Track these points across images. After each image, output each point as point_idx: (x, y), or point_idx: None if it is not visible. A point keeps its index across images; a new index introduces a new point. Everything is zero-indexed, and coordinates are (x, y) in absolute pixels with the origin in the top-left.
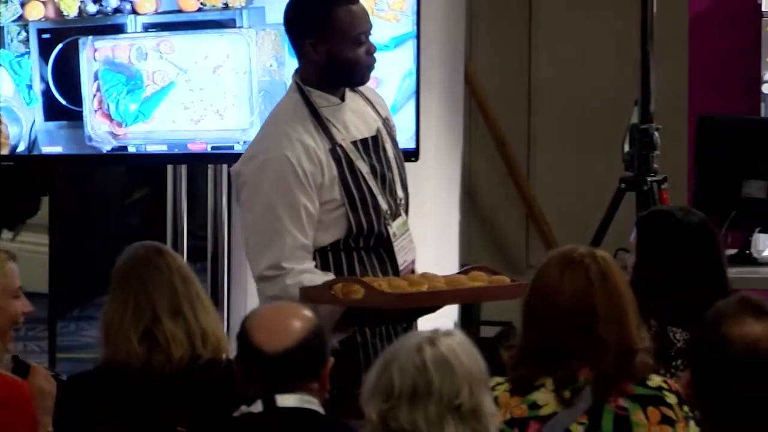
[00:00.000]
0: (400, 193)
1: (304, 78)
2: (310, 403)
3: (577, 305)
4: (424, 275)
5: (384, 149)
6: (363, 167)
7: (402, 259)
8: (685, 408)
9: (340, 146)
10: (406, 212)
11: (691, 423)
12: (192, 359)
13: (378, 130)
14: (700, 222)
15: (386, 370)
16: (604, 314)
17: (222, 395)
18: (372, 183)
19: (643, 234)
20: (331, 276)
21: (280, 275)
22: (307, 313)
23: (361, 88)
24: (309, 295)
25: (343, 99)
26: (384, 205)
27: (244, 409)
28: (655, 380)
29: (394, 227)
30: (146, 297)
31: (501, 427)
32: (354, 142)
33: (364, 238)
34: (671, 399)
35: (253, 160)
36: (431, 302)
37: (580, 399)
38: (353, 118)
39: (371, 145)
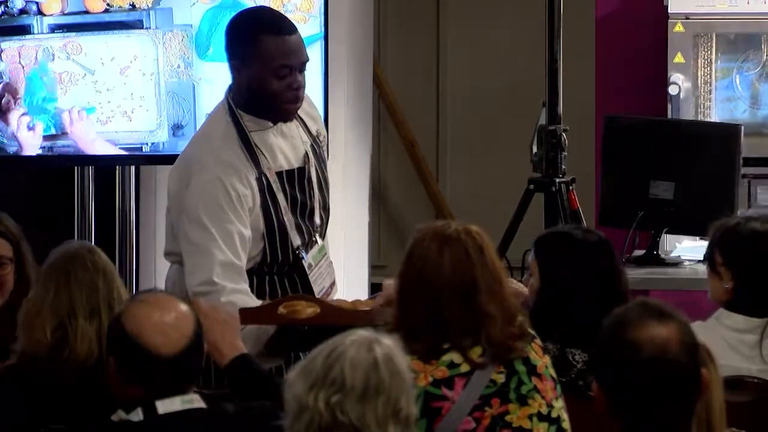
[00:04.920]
0: (317, 219)
1: (235, 98)
2: (191, 402)
3: (459, 279)
4: (340, 301)
5: (309, 178)
6: (282, 200)
7: (319, 287)
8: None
9: (265, 176)
10: (323, 234)
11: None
12: (99, 361)
13: (306, 157)
14: (599, 241)
15: (336, 362)
16: (484, 287)
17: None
18: (288, 217)
19: (542, 256)
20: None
21: (212, 291)
22: (183, 306)
23: None
24: (249, 316)
25: (275, 122)
26: (297, 241)
27: (122, 414)
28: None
29: (309, 258)
30: (67, 290)
31: (427, 388)
32: (279, 173)
33: (278, 266)
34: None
35: (186, 181)
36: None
37: (489, 358)
38: (282, 145)
39: (296, 177)
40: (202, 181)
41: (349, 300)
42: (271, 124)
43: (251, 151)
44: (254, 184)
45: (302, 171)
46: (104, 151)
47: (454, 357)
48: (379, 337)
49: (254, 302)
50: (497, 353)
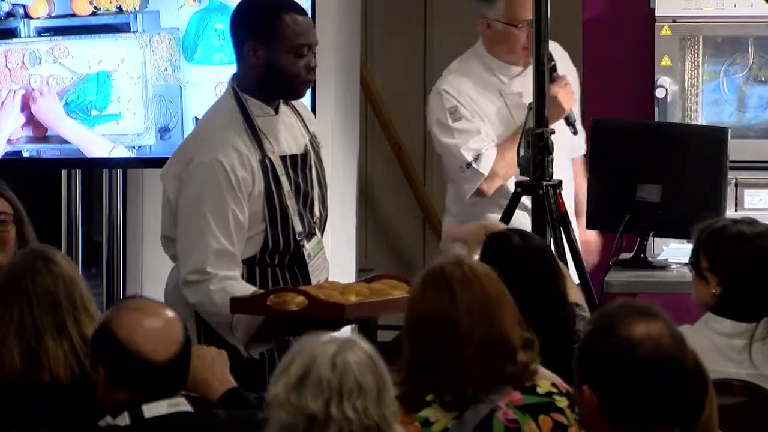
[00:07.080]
0: (317, 212)
1: (241, 84)
2: (177, 405)
3: (439, 316)
4: (333, 283)
5: (310, 167)
6: (286, 184)
7: (316, 279)
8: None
9: (269, 159)
10: (322, 230)
11: None
12: (82, 373)
13: (307, 147)
14: (537, 247)
15: (346, 371)
16: (467, 322)
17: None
18: (291, 202)
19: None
20: (254, 288)
21: (203, 280)
22: (170, 311)
23: (293, 102)
24: (239, 306)
25: (277, 111)
26: (299, 227)
27: (109, 420)
28: (545, 386)
29: (308, 248)
30: (29, 311)
31: None
32: (283, 157)
33: (279, 255)
34: (562, 403)
35: (185, 163)
36: (379, 312)
37: (468, 411)
38: (285, 132)
39: (299, 163)
40: (202, 162)
41: (344, 282)
42: (274, 113)
43: (255, 134)
44: (256, 166)
45: (305, 157)
46: (73, 133)
47: (430, 414)
48: (353, 336)
49: (245, 287)
50: (453, 401)
